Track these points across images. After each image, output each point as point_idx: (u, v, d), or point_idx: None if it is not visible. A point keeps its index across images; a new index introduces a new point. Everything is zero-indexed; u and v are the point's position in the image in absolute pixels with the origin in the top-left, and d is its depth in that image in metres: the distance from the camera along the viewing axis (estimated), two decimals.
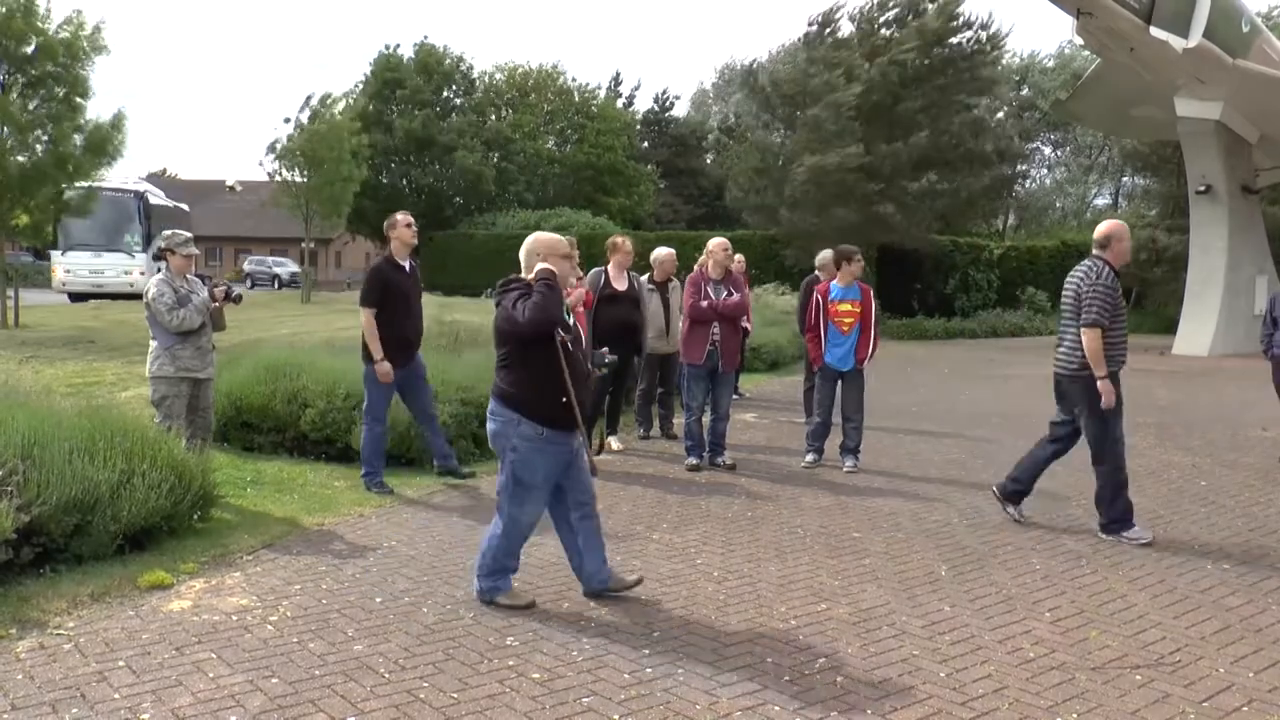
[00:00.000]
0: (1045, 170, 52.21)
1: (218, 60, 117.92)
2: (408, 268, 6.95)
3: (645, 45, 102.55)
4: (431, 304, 9.54)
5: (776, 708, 3.58)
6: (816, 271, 9.99)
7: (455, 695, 3.63)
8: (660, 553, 5.49)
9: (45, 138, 16.03)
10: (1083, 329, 5.91)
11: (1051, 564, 5.43)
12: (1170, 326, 21.67)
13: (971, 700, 3.68)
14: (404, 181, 42.73)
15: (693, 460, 7.87)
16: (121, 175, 25.51)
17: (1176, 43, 17.88)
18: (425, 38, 47.59)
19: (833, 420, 8.14)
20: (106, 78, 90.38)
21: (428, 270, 21.21)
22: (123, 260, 26.48)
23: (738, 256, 11.09)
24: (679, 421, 8.81)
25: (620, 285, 8.37)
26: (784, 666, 3.94)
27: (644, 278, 8.96)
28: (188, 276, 6.42)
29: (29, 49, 15.62)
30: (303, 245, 31.31)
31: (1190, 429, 10.44)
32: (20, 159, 15.72)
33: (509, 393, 4.51)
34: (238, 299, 6.76)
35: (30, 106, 16.06)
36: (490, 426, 4.58)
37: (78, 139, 16.34)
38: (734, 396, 9.63)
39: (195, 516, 5.56)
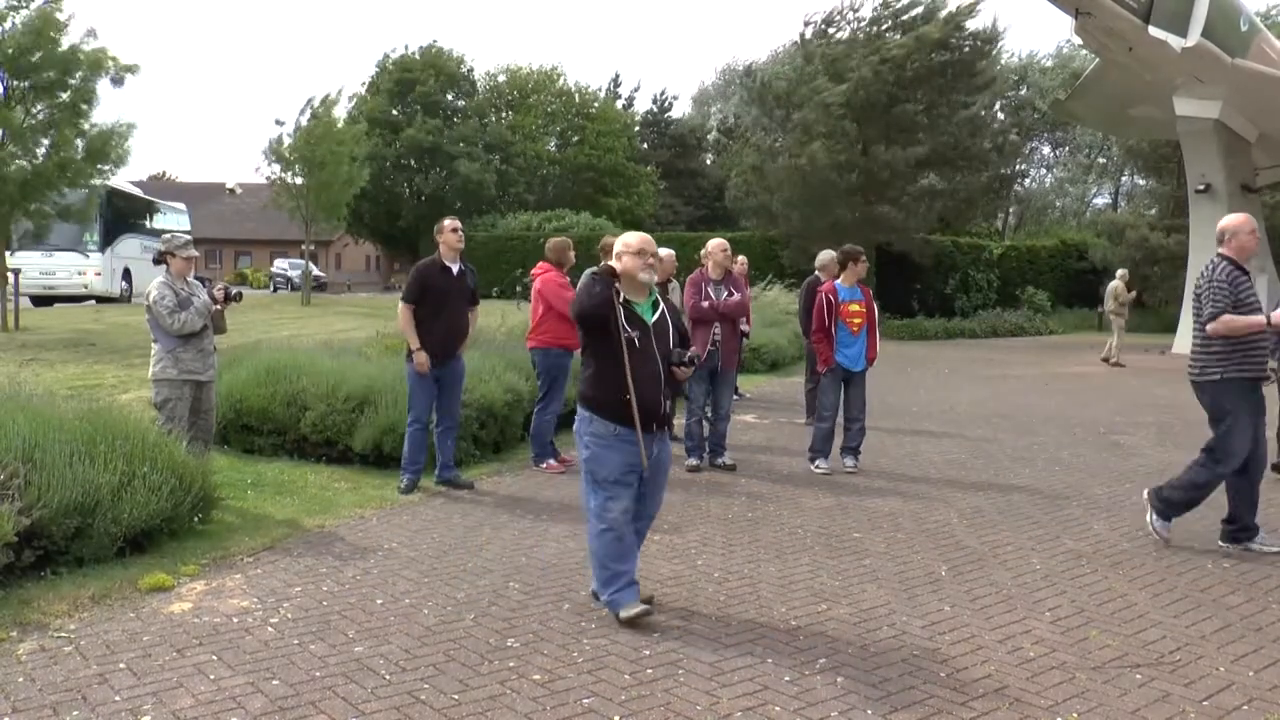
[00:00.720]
0: (1045, 170, 52.27)
1: (217, 63, 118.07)
2: (455, 270, 7.00)
3: (644, 46, 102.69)
4: None
5: (777, 708, 3.58)
6: (817, 272, 10.00)
7: (456, 696, 3.63)
8: (660, 554, 5.49)
9: (47, 142, 16.02)
10: (1206, 327, 5.50)
11: (1051, 564, 5.43)
12: (1170, 326, 21.69)
13: (971, 700, 3.68)
14: (404, 186, 42.83)
15: (693, 461, 7.88)
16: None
17: (1175, 42, 17.89)
18: (434, 41, 47.54)
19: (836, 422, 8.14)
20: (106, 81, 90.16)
21: None
22: (76, 260, 23.75)
23: (740, 258, 11.14)
24: (679, 422, 8.82)
25: None
26: (784, 667, 3.94)
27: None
28: (188, 279, 6.43)
29: (36, 57, 15.58)
30: (303, 247, 31.31)
31: (1190, 428, 10.42)
32: (21, 163, 15.69)
33: (583, 389, 4.54)
34: (238, 297, 6.77)
35: (34, 110, 16.06)
36: (577, 425, 4.60)
37: (79, 144, 16.32)
38: (734, 397, 9.65)
39: (196, 519, 5.57)
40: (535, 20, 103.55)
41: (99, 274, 24.23)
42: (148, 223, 27.83)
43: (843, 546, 5.72)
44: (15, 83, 15.72)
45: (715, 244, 8.11)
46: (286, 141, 25.99)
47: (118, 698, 3.56)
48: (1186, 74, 19.08)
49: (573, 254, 7.91)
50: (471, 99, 45.47)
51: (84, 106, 16.15)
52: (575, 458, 8.10)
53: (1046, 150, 50.16)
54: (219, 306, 6.51)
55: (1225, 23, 18.89)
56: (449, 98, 44.62)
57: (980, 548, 5.73)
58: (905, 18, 25.81)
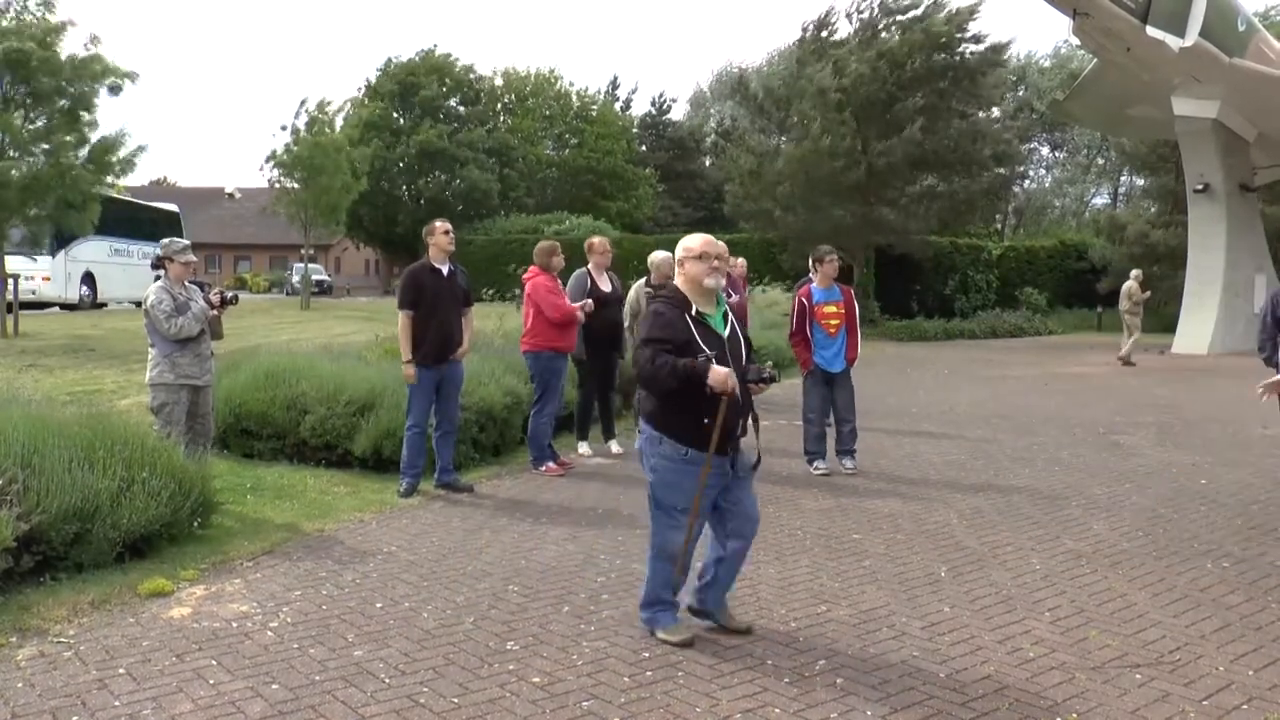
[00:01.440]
0: (1044, 170, 52.34)
1: (217, 67, 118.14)
2: (445, 272, 7.00)
3: (642, 48, 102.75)
4: None
5: (777, 710, 3.58)
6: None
7: (455, 700, 3.63)
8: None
9: (47, 148, 16.03)
10: None
11: (1051, 564, 5.43)
12: (1170, 325, 21.69)
13: (971, 700, 3.68)
14: (404, 189, 42.84)
15: None
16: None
17: (1173, 42, 17.91)
18: (435, 46, 47.55)
19: (826, 424, 8.13)
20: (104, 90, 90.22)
21: None
22: (22, 265, 20.63)
23: (740, 260, 11.14)
24: None
25: (605, 287, 8.38)
26: (784, 668, 3.94)
27: (641, 281, 8.98)
28: (185, 284, 6.43)
29: (35, 64, 15.59)
30: (302, 251, 31.32)
31: (1190, 428, 10.44)
32: (21, 170, 15.70)
33: (650, 407, 4.19)
34: (234, 301, 6.77)
35: (33, 116, 16.08)
36: (637, 442, 4.31)
37: (82, 152, 16.34)
38: None
39: (195, 523, 5.57)
40: (532, 23, 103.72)
41: (48, 279, 22.47)
42: (126, 224, 25.69)
43: (842, 548, 5.71)
44: (14, 90, 15.74)
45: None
46: (286, 147, 26.02)
47: (117, 703, 3.56)
48: (1184, 74, 19.11)
49: (561, 258, 7.91)
50: (476, 104, 45.47)
51: (84, 114, 16.16)
52: (574, 460, 8.17)
53: (1045, 151, 50.24)
54: (215, 312, 6.52)
55: (1223, 23, 18.92)
56: (452, 103, 44.65)
57: (980, 548, 5.73)
58: (903, 18, 25.79)
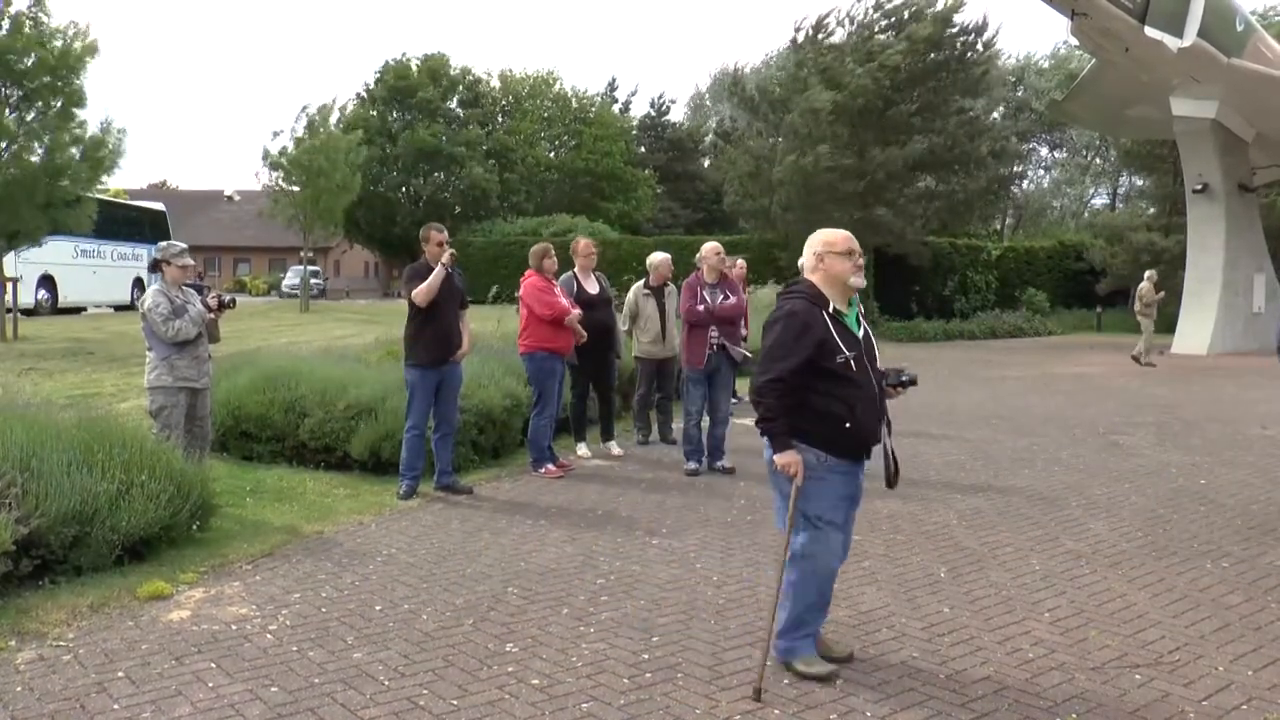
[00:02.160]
0: (1043, 171, 52.32)
1: (216, 70, 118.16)
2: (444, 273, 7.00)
3: (640, 49, 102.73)
4: None
5: (776, 711, 3.58)
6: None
7: (455, 702, 3.62)
8: (659, 557, 5.49)
9: (40, 148, 16.00)
10: None
11: (1051, 564, 5.43)
12: (1169, 325, 21.68)
13: (971, 701, 3.68)
14: (401, 191, 42.80)
15: (692, 465, 7.88)
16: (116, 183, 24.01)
17: (1171, 42, 17.91)
18: (437, 51, 47.56)
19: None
20: (105, 87, 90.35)
21: None
22: None
23: (740, 261, 11.14)
24: (678, 426, 8.82)
25: (592, 289, 8.37)
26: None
27: (640, 283, 8.98)
28: (182, 287, 6.43)
29: (27, 62, 15.58)
30: (302, 254, 31.32)
31: (1190, 428, 10.44)
32: (13, 171, 15.65)
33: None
34: (231, 304, 6.76)
35: (27, 118, 16.05)
36: (766, 454, 3.95)
37: (75, 151, 16.29)
38: (732, 400, 9.65)
39: (194, 526, 5.56)
40: (531, 25, 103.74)
41: None
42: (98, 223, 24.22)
43: None
44: (7, 85, 15.73)
45: (709, 248, 8.11)
46: (282, 150, 26.01)
47: (116, 706, 3.55)
48: (1183, 74, 19.11)
49: (554, 259, 7.92)
50: (475, 106, 45.43)
51: (75, 111, 16.10)
52: (573, 461, 8.17)
53: (1044, 151, 50.22)
54: (213, 314, 6.51)
55: (1221, 23, 18.92)
56: (449, 105, 44.62)
57: (979, 549, 5.73)
58: (896, 18, 25.80)
